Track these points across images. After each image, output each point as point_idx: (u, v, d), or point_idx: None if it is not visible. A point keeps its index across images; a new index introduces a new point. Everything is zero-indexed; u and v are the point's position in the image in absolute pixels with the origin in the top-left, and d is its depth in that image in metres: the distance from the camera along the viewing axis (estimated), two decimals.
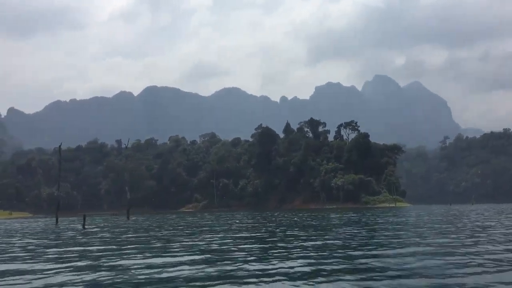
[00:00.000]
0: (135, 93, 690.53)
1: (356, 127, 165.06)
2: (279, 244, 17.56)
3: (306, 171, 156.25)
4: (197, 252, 15.46)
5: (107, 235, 27.13)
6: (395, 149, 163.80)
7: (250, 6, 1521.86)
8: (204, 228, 31.35)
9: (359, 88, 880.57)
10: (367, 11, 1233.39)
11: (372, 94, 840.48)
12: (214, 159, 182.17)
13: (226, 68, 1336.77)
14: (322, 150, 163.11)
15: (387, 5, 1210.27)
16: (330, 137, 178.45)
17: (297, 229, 27.86)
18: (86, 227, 37.31)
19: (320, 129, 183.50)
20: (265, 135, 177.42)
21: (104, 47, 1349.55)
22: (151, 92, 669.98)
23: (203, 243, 19.24)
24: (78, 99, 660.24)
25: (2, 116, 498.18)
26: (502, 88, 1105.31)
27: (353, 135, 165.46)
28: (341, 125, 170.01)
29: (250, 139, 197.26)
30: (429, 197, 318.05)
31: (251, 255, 14.21)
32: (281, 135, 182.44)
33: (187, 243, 19.25)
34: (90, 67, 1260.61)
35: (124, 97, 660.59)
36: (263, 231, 26.56)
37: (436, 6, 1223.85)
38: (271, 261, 12.62)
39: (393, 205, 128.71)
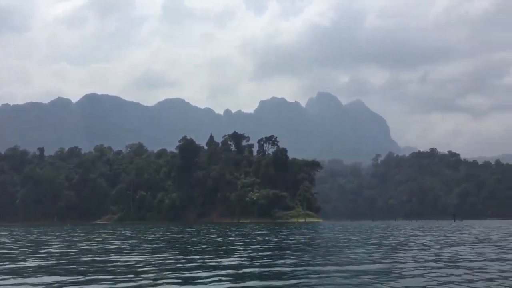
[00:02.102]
0: (74, 100, 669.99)
1: (275, 142, 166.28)
2: None
3: (223, 185, 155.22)
4: None
5: None
6: (314, 165, 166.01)
7: (202, 19, 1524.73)
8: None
9: (303, 104, 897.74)
10: (315, 30, 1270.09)
11: (315, 110, 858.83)
12: (133, 170, 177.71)
13: (174, 78, 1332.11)
14: (242, 164, 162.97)
15: (334, 26, 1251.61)
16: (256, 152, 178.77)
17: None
18: None
19: (244, 143, 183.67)
20: (187, 147, 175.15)
21: (48, 52, 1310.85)
22: (91, 100, 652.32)
23: None
24: (11, 104, 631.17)
25: None
26: (439, 110, 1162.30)
27: (273, 150, 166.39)
28: (261, 139, 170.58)
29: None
30: (359, 213, 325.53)
31: None
32: None
33: None
34: (32, 72, 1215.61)
35: (61, 103, 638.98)
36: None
37: (381, 29, 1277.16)
38: None
39: (302, 220, 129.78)
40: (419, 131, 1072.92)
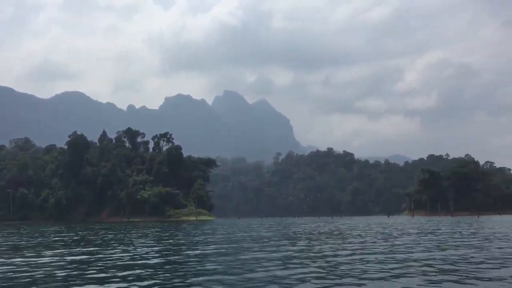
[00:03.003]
0: None
1: (170, 139, 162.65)
2: None
3: (114, 182, 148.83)
4: None
5: None
6: (209, 163, 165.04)
7: (107, 9, 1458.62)
8: None
9: (209, 102, 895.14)
10: (224, 29, 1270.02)
11: (221, 108, 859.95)
12: (14, 166, 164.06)
13: (74, 71, 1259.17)
14: (135, 162, 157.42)
15: (243, 25, 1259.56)
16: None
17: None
18: None
19: (139, 139, 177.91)
20: (77, 143, 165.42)
21: None
22: None
23: None
24: None
25: None
26: (339, 112, 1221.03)
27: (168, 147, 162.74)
28: (156, 136, 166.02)
29: None
30: (261, 210, 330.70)
31: None
32: None
33: None
34: None
35: None
36: None
37: (287, 31, 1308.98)
38: None
39: (194, 218, 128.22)
40: (321, 131, 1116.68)
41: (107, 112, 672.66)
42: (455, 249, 18.15)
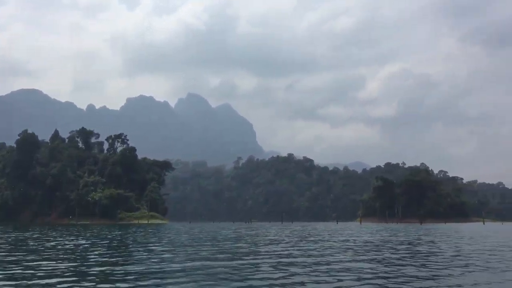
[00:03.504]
0: None
1: (125, 140, 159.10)
2: None
3: (64, 183, 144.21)
4: None
5: None
6: (165, 165, 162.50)
7: (70, 7, 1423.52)
8: None
9: (172, 105, 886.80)
10: (189, 32, 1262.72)
11: (184, 111, 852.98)
12: None
13: (34, 68, 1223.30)
14: (87, 162, 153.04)
15: (208, 29, 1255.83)
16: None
17: None
18: None
19: (93, 140, 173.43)
20: (26, 141, 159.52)
21: None
22: None
23: None
24: None
25: None
26: (303, 118, 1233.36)
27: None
28: (110, 137, 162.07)
29: None
30: (220, 214, 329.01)
31: None
32: None
33: None
34: None
35: None
36: None
37: (252, 36, 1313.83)
38: None
39: (145, 222, 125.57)
40: (284, 136, 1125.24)
41: (66, 112, 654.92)
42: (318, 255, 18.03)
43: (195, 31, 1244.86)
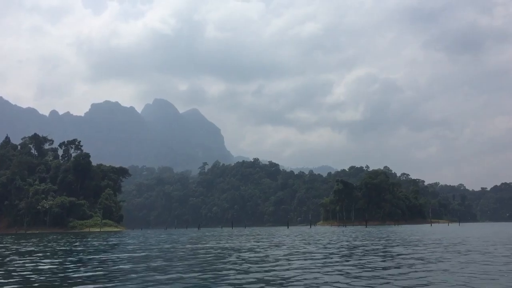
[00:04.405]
0: None
1: (79, 146, 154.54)
2: None
3: (13, 192, 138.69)
4: None
5: None
6: (121, 172, 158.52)
7: (32, 10, 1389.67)
8: None
9: (139, 110, 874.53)
10: (156, 36, 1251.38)
11: (151, 117, 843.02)
12: None
13: None
14: (38, 170, 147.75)
15: (176, 34, 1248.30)
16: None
17: None
18: None
19: (47, 146, 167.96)
20: None
21: None
22: None
23: None
24: None
25: None
26: (271, 123, 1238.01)
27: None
28: (63, 143, 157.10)
29: None
30: (185, 220, 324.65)
31: None
32: None
33: None
34: None
35: None
36: None
37: (220, 41, 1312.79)
38: None
39: (97, 230, 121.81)
40: (252, 141, 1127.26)
41: (27, 118, 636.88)
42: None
43: (162, 36, 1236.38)
